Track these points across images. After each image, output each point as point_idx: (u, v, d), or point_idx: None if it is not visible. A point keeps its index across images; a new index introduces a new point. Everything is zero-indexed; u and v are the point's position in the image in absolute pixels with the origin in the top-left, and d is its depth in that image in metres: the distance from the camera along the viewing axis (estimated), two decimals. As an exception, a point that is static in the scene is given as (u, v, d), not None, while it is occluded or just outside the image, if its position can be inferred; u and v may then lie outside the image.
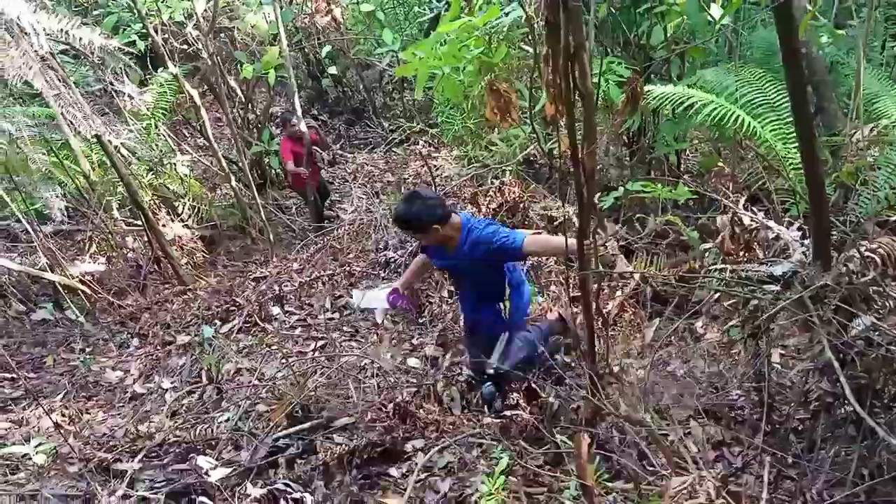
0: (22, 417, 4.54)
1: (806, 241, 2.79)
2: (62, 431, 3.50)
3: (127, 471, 2.95)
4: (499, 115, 2.24)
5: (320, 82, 11.18)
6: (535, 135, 5.43)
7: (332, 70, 10.68)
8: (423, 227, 3.27)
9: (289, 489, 2.71)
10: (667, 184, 4.97)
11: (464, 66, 6.01)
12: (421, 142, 9.19)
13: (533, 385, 3.84)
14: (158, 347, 5.41)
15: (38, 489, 2.90)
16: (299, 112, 7.29)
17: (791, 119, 4.45)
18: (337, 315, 4.75)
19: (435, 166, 6.92)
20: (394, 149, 9.07)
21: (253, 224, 7.90)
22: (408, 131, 8.99)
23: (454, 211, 3.48)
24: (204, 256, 7.55)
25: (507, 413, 3.60)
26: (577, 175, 2.09)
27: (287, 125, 7.43)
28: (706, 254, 3.94)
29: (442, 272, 3.68)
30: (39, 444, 2.96)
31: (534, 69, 2.27)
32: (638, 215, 5.13)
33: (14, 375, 5.43)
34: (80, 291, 6.63)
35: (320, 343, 4.31)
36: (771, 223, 2.87)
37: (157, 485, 2.87)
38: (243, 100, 8.52)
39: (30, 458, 3.14)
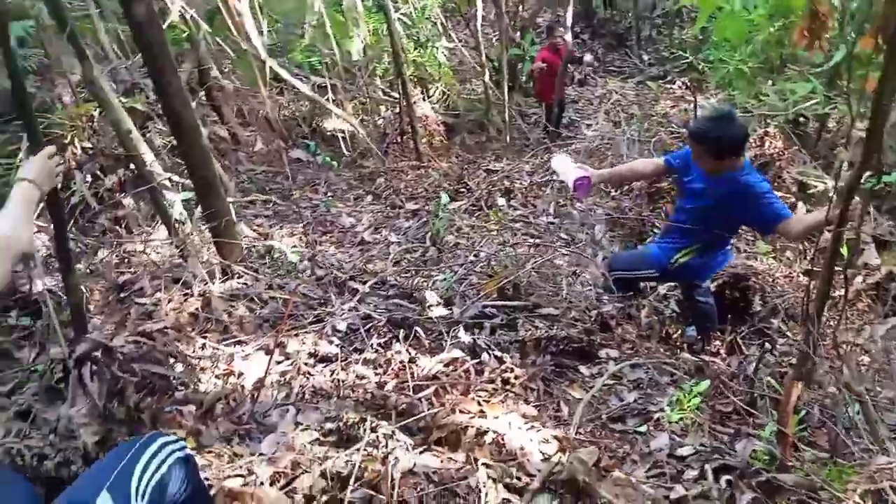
0: (269, 233, 5.22)
1: None
2: (306, 246, 4.00)
3: (358, 290, 3.34)
4: (809, 37, 2.13)
5: (591, 0, 10.99)
6: (813, 94, 5.04)
7: (607, -10, 10.45)
8: (723, 150, 3.14)
9: (490, 347, 2.94)
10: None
11: (756, 5, 5.62)
12: (679, 81, 8.83)
13: (738, 340, 3.76)
14: (389, 207, 5.89)
15: (287, 282, 3.39)
16: (568, 23, 7.28)
17: None
18: (557, 221, 4.87)
19: (690, 107, 6.66)
20: (648, 82, 8.79)
21: (493, 122, 8.16)
22: (668, 67, 8.67)
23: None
24: (441, 141, 7.96)
25: (706, 358, 3.58)
26: (873, 122, 1.95)
27: (552, 34, 7.47)
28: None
29: (682, 193, 3.59)
30: (294, 247, 3.43)
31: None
32: (907, 207, 4.65)
33: (267, 198, 6.22)
34: (332, 142, 7.34)
35: (536, 241, 4.47)
36: None
37: (379, 309, 3.24)
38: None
39: (283, 256, 3.65)
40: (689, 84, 8.31)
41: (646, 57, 10.38)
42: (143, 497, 1.54)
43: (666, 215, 4.51)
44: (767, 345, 3.14)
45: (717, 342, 3.73)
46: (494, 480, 2.04)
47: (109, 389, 2.21)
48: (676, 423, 2.65)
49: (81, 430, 2.07)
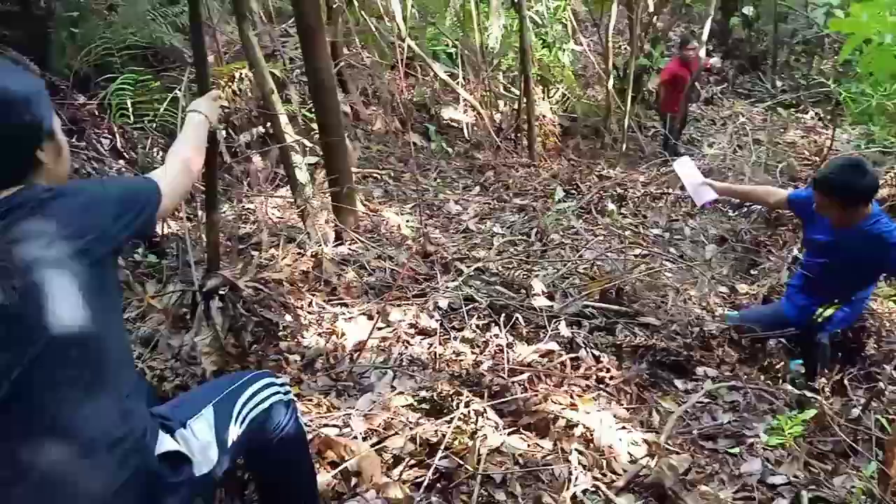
0: (377, 209, 5.38)
1: None
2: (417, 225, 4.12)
3: (462, 270, 3.42)
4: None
5: (729, 18, 10.63)
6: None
7: (747, 10, 10.10)
8: (850, 201, 3.00)
9: (588, 345, 2.95)
10: None
11: (910, 40, 5.33)
12: (812, 112, 8.47)
13: (845, 382, 3.59)
14: (495, 200, 5.95)
15: (396, 254, 3.50)
16: (704, 38, 7.10)
17: None
18: (667, 235, 4.79)
19: (821, 139, 6.40)
20: (779, 109, 8.47)
21: (609, 130, 8.07)
22: (802, 95, 8.33)
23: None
24: (556, 142, 7.95)
25: (808, 394, 3.44)
26: None
27: (684, 47, 7.31)
28: None
29: (808, 245, 3.45)
30: (408, 221, 3.54)
31: None
32: None
33: (385, 172, 6.41)
34: (447, 130, 7.47)
35: (645, 251, 4.41)
36: None
37: (481, 293, 3.30)
38: (651, 10, 8.48)
39: (393, 230, 3.77)
40: (822, 115, 7.96)
41: (779, 83, 9.98)
42: (241, 423, 1.63)
43: (783, 244, 4.35)
44: (880, 385, 2.99)
45: (823, 380, 3.58)
46: (585, 468, 2.06)
47: (231, 325, 2.36)
48: (772, 449, 2.57)
49: (202, 358, 2.23)
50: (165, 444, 1.42)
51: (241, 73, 5.18)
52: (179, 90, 4.10)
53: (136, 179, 1.50)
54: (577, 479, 1.99)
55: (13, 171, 1.35)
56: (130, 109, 4.63)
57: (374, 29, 6.40)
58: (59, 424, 1.27)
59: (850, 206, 3.02)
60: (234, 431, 1.61)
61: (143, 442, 1.37)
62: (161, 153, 4.51)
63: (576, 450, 2.16)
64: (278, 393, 1.77)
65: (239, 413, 1.64)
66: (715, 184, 3.51)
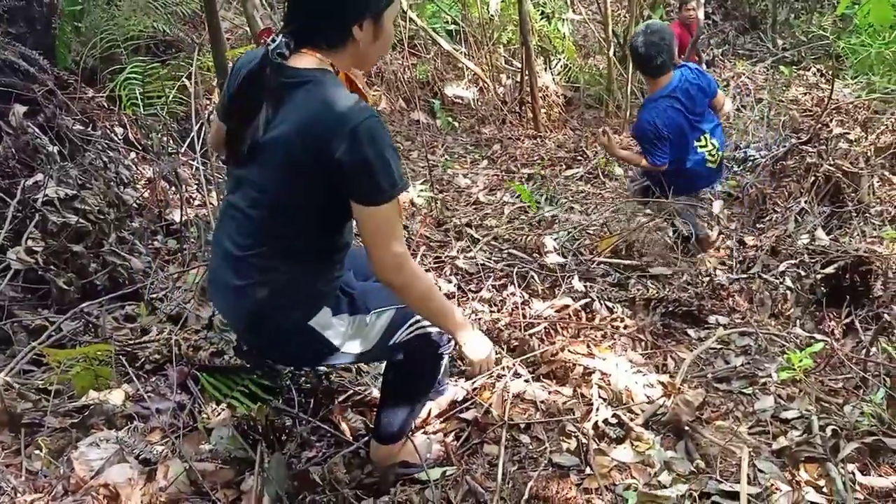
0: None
1: None
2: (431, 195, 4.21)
3: (479, 239, 3.51)
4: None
5: (726, -20, 10.61)
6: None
7: (744, -30, 10.07)
8: (638, 68, 3.42)
9: (600, 300, 3.04)
10: None
11: (908, -12, 5.35)
12: (814, 68, 8.46)
13: (855, 323, 3.67)
14: (504, 172, 6.03)
15: (411, 222, 3.60)
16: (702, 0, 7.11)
17: None
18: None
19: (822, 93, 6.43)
20: (781, 67, 8.46)
21: (613, 98, 8.10)
22: (804, 52, 8.32)
23: (677, 66, 3.43)
24: (560, 113, 7.99)
25: (818, 336, 3.52)
26: None
27: (683, 7, 7.31)
28: None
29: None
30: (422, 191, 3.63)
31: None
32: None
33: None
34: (452, 107, 7.54)
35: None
36: None
37: (495, 257, 3.40)
38: (649, -25, 8.48)
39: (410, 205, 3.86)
40: (824, 71, 7.96)
41: (780, 41, 9.95)
42: (412, 333, 1.82)
43: (789, 195, 4.41)
44: (886, 318, 3.08)
45: (832, 323, 3.66)
46: (605, 401, 2.16)
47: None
48: (785, 387, 2.67)
49: (235, 324, 2.34)
50: (323, 318, 1.70)
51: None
52: (187, 77, 4.19)
53: (390, 179, 1.61)
54: (598, 409, 2.09)
55: (329, 34, 1.53)
56: (140, 99, 4.71)
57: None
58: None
59: (645, 75, 3.49)
60: (403, 335, 1.80)
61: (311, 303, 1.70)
62: (171, 140, 4.57)
63: (596, 384, 2.26)
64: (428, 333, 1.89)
65: (413, 323, 1.81)
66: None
